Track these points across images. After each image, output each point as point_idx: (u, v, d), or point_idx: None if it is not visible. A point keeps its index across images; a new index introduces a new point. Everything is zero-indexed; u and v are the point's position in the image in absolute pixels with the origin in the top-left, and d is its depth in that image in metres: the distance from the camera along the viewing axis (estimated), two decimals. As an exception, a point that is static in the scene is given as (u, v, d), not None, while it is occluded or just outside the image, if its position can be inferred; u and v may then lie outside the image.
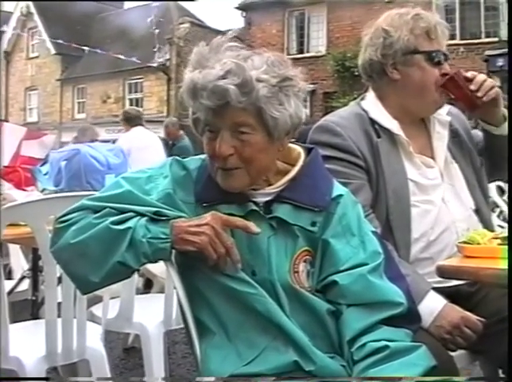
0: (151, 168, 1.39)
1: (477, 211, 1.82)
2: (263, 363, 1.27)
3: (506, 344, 1.28)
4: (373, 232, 1.40)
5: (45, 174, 3.31)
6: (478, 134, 1.95)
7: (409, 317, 1.31)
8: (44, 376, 1.87)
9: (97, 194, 1.36)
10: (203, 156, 1.39)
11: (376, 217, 1.66)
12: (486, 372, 1.75)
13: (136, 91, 22.96)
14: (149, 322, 2.26)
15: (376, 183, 1.71)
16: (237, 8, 20.68)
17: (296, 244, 1.32)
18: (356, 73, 15.04)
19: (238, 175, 1.30)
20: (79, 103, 24.86)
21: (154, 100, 21.90)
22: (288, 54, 18.13)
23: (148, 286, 3.38)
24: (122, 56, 20.38)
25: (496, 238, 1.44)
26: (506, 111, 1.78)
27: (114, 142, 5.66)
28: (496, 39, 15.10)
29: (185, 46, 20.03)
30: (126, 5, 28.00)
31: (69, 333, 1.88)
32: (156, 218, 1.26)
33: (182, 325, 1.48)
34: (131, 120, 6.41)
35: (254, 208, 1.32)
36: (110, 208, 1.28)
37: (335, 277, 1.31)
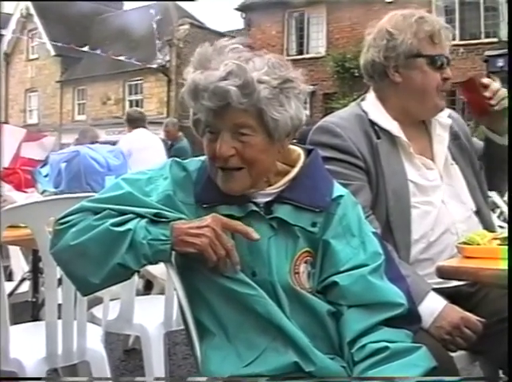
0: (151, 169, 1.40)
1: (478, 212, 1.82)
2: (263, 364, 1.27)
3: (506, 345, 1.28)
4: (373, 233, 1.40)
5: (45, 176, 3.31)
6: (478, 142, 1.96)
7: (409, 318, 1.31)
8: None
9: (97, 196, 1.36)
10: (202, 157, 1.39)
11: (376, 218, 1.66)
12: (486, 372, 1.75)
13: (136, 93, 22.96)
14: (150, 324, 2.26)
15: (376, 184, 1.71)
16: (236, 9, 20.69)
17: (297, 245, 1.32)
18: (356, 74, 15.19)
19: (240, 176, 1.30)
20: (79, 104, 24.86)
21: (154, 102, 21.90)
22: (288, 55, 18.16)
23: (148, 287, 3.39)
24: (121, 58, 20.39)
25: (496, 238, 1.44)
26: None
27: (114, 143, 5.66)
28: (496, 39, 15.10)
29: (185, 47, 20.06)
30: (126, 6, 28.05)
31: (69, 334, 1.88)
32: (156, 220, 1.26)
33: (182, 327, 1.48)
34: (133, 122, 6.46)
35: (255, 208, 1.32)
36: (110, 209, 1.28)
37: (336, 278, 1.31)
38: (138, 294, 2.63)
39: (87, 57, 22.64)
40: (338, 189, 1.39)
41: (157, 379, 2.15)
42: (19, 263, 3.13)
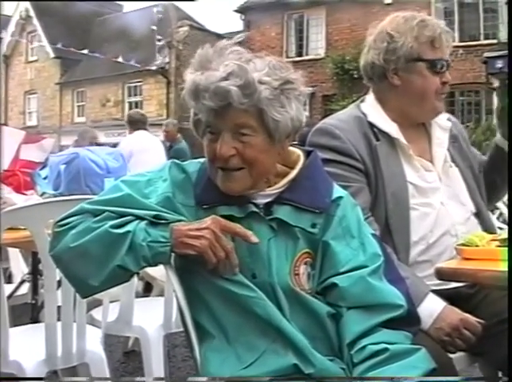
0: (150, 171, 1.40)
1: (477, 214, 1.82)
2: (262, 366, 1.27)
3: (506, 346, 1.28)
4: (372, 235, 1.40)
5: (44, 178, 3.31)
6: (478, 153, 1.97)
7: (408, 320, 1.31)
8: (43, 379, 1.87)
9: (96, 198, 1.36)
10: (201, 159, 1.39)
11: (375, 220, 1.66)
12: (486, 373, 1.75)
13: (135, 95, 22.96)
14: (149, 326, 2.26)
15: (375, 186, 1.71)
16: (236, 11, 20.70)
17: (297, 246, 1.32)
18: (355, 76, 15.20)
19: (240, 177, 1.30)
20: (78, 106, 24.86)
21: (154, 103, 21.90)
22: (287, 57, 18.17)
23: (147, 289, 3.38)
24: (121, 60, 20.40)
25: (494, 240, 1.44)
26: None
27: (114, 145, 5.66)
28: (495, 41, 15.11)
29: (184, 49, 20.06)
30: (125, 8, 28.08)
31: (69, 336, 1.87)
32: (155, 221, 1.26)
33: (182, 329, 1.48)
34: (134, 123, 6.48)
35: (254, 209, 1.32)
36: (110, 211, 1.28)
37: (335, 279, 1.31)
38: (138, 296, 2.62)
39: (86, 59, 22.67)
40: (337, 191, 1.40)
41: (157, 379, 2.15)
42: (18, 265, 3.13)
